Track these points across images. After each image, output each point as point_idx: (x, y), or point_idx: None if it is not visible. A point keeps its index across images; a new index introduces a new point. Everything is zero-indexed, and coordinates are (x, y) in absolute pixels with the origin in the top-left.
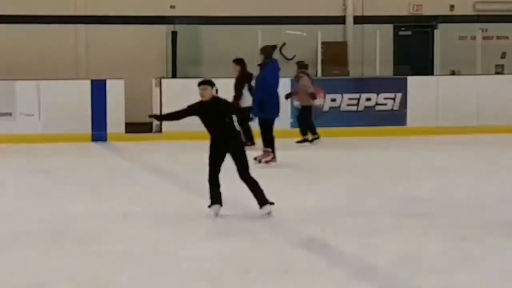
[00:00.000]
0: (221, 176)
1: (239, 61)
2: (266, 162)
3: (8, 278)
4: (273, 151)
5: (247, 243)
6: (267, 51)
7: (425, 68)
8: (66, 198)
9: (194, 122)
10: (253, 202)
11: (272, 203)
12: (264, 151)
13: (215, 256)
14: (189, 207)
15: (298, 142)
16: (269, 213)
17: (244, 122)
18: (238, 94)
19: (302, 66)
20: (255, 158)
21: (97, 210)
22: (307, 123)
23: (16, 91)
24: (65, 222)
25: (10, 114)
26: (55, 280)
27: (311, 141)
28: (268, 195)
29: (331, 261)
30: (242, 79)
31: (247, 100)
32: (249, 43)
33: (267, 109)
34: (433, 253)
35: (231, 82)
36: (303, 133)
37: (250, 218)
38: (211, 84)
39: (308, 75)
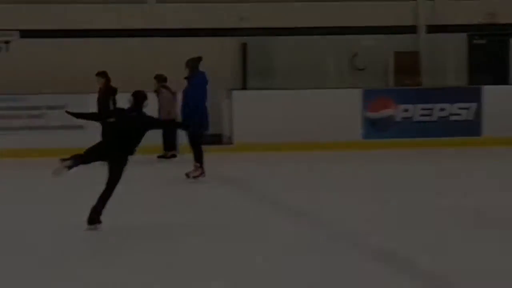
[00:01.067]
0: None
1: (103, 74)
2: (195, 177)
3: None
4: (201, 166)
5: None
6: (193, 63)
7: (501, 77)
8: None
9: (265, 133)
10: None
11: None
12: (194, 166)
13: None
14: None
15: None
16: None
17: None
18: (102, 108)
19: (161, 79)
20: (186, 174)
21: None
22: (170, 138)
23: (89, 104)
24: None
25: (81, 127)
26: None
27: (168, 157)
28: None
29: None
30: (107, 92)
31: None
32: (319, 53)
33: (193, 123)
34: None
35: (304, 93)
36: (169, 148)
37: None
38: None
39: (168, 88)
